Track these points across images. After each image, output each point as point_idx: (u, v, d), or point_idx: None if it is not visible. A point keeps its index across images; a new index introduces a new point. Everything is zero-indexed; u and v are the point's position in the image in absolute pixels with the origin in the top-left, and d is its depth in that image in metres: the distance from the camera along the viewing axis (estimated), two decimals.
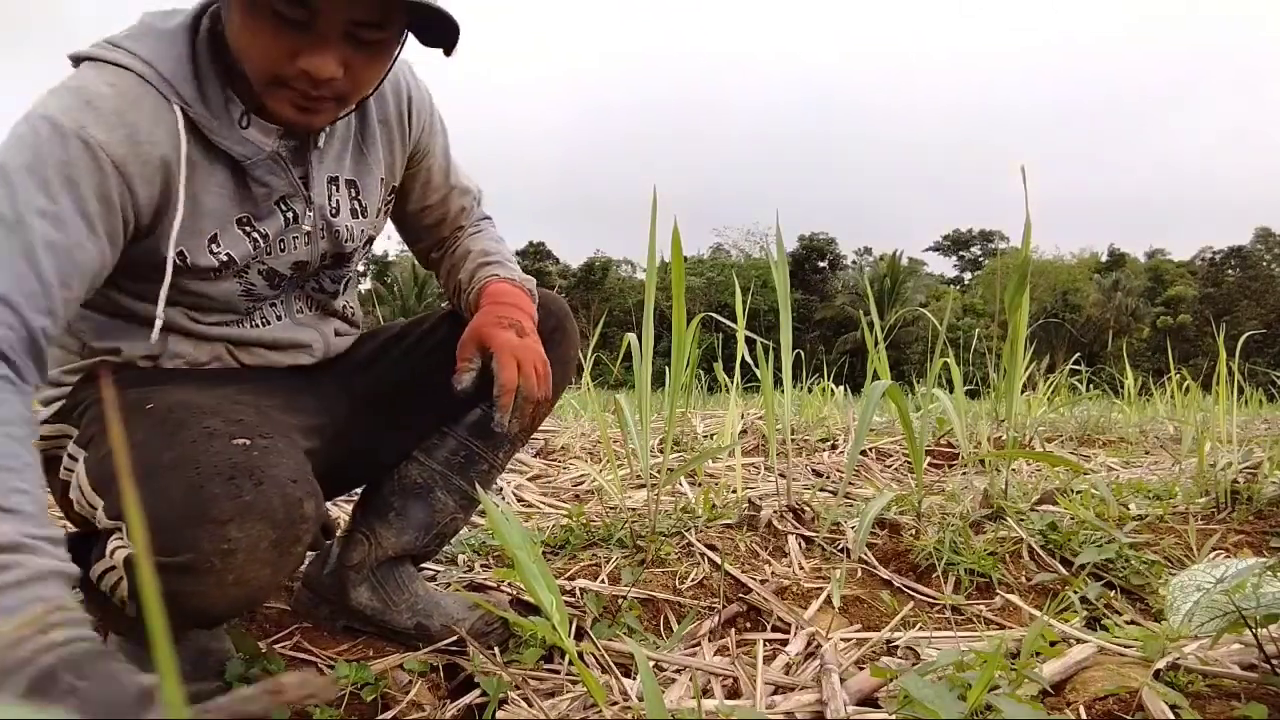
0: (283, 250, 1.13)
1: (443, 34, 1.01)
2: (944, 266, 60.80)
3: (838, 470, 2.78)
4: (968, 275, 57.81)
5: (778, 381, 2.05)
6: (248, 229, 1.08)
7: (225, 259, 1.06)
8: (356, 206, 1.18)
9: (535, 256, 50.00)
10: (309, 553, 0.99)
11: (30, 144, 0.90)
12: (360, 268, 1.35)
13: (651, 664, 1.17)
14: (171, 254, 1.01)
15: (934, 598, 1.51)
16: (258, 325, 1.18)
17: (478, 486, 1.30)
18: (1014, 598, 1.48)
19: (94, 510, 0.96)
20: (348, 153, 1.16)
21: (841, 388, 4.57)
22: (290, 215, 1.11)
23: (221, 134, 1.01)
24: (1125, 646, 1.10)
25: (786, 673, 1.18)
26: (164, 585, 0.86)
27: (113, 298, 1.09)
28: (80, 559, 1.03)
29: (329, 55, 0.94)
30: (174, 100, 0.97)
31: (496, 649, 1.27)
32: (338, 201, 1.16)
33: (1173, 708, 0.90)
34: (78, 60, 1.00)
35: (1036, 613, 1.40)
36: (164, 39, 1.00)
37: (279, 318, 1.21)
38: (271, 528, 0.87)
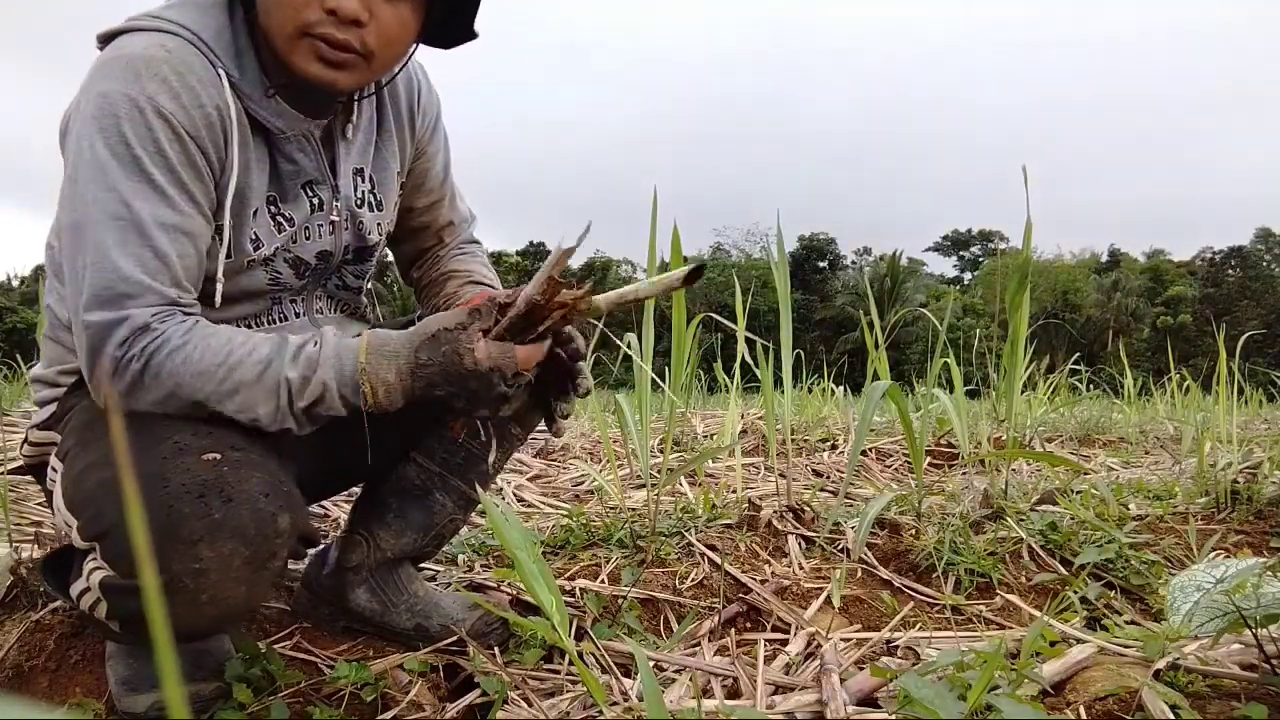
0: (308, 238, 1.13)
1: (459, 18, 1.06)
2: (944, 266, 60.88)
3: (838, 470, 2.78)
4: (968, 275, 57.80)
5: (778, 382, 2.05)
6: (274, 210, 1.08)
7: (253, 238, 1.07)
8: (373, 200, 1.20)
9: (535, 256, 49.96)
10: (292, 561, 0.98)
11: (109, 125, 0.92)
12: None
13: (651, 664, 1.17)
14: (228, 217, 1.02)
15: (934, 598, 1.51)
16: (275, 321, 1.18)
17: (477, 487, 1.30)
18: (1014, 598, 1.48)
19: (69, 529, 0.94)
20: (370, 146, 1.18)
21: (841, 388, 4.56)
22: (316, 201, 1.12)
23: (260, 105, 1.03)
24: (1125, 646, 1.10)
25: (786, 673, 1.18)
26: (138, 606, 0.85)
27: None
28: (62, 570, 1.03)
29: None
30: (219, 66, 0.99)
31: (496, 649, 1.27)
32: (362, 193, 1.17)
33: (1173, 708, 0.90)
34: (111, 35, 1.00)
35: (1036, 613, 1.40)
36: (203, 10, 1.02)
37: (298, 315, 1.20)
38: (244, 545, 0.86)
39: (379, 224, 1.22)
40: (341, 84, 1.02)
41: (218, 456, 0.90)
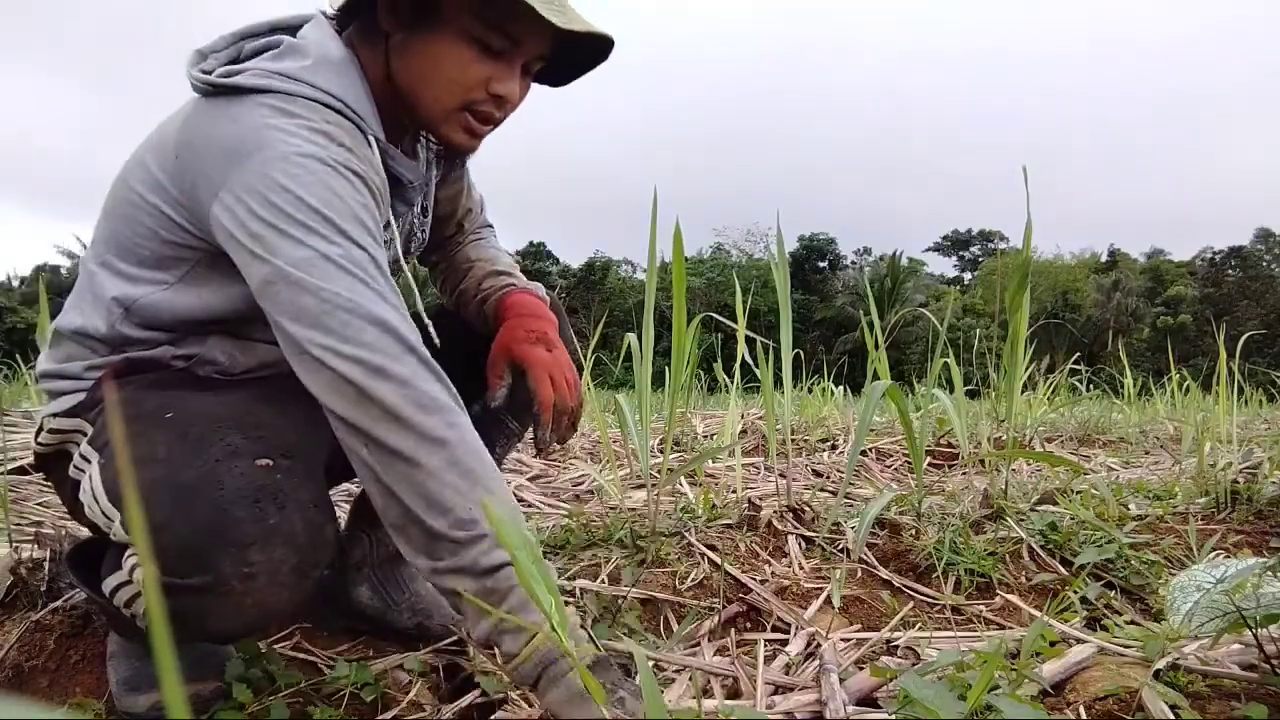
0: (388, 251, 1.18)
1: (567, 70, 1.13)
2: (944, 266, 60.79)
3: (838, 470, 2.78)
4: (968, 275, 57.80)
5: (778, 381, 2.05)
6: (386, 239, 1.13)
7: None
8: (424, 207, 1.24)
9: (535, 257, 49.96)
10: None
11: (313, 183, 0.91)
12: None
13: (651, 664, 1.17)
14: (407, 270, 1.09)
15: (934, 598, 1.51)
16: None
17: None
18: (1014, 598, 1.48)
19: (110, 521, 0.94)
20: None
21: (841, 388, 4.57)
22: (404, 224, 1.18)
23: (398, 161, 1.08)
24: (1125, 646, 1.10)
25: (786, 673, 1.18)
26: (180, 604, 0.85)
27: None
28: (86, 563, 1.02)
29: (518, 81, 1.05)
30: (369, 132, 1.03)
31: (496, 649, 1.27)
32: (425, 206, 1.24)
33: (1173, 708, 0.90)
34: (234, 88, 0.96)
35: (1036, 613, 1.40)
36: (339, 73, 1.02)
37: None
38: (294, 552, 0.86)
39: (423, 230, 1.26)
40: (476, 150, 1.11)
41: (270, 463, 0.90)
